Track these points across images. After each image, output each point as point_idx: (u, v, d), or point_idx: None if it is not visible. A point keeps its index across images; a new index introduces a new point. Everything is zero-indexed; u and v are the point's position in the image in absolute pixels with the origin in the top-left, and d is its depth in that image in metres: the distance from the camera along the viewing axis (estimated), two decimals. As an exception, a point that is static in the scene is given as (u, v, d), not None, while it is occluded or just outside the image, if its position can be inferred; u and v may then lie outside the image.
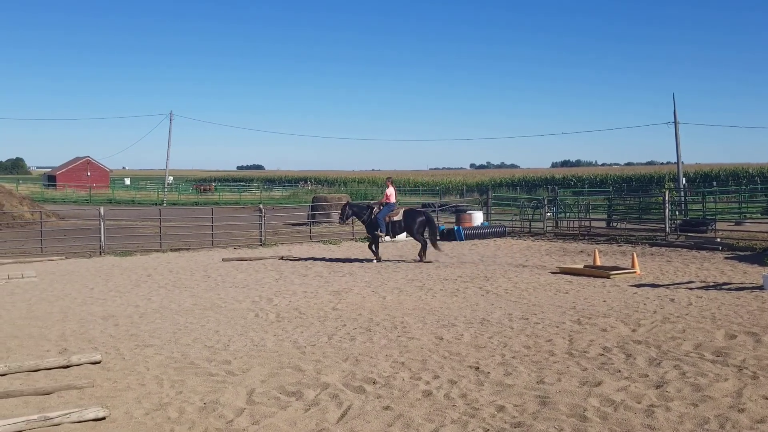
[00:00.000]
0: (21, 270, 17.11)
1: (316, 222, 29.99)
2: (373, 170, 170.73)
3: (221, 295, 13.69)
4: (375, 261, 18.50)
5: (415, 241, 19.62)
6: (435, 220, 20.12)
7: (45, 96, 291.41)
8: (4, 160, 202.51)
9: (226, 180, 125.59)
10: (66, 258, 20.32)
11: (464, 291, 13.85)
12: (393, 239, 20.51)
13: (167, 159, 68.47)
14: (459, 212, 29.49)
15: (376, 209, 18.92)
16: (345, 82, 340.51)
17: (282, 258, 19.52)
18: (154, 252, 21.68)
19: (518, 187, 74.37)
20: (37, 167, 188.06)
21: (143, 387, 7.59)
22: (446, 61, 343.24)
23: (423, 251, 18.66)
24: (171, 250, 22.12)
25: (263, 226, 24.06)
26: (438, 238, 19.75)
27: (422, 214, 19.56)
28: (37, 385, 7.67)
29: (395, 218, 18.82)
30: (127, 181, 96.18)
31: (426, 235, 18.93)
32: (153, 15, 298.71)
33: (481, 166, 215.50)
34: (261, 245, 23.09)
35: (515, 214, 32.08)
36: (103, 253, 20.99)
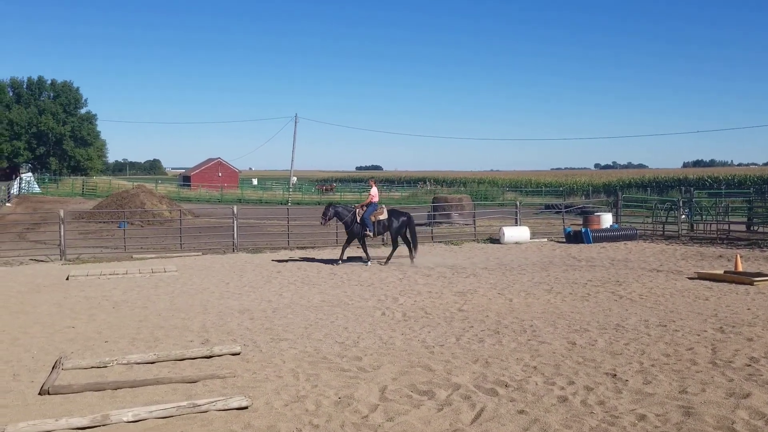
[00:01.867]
0: (163, 265, 18.24)
1: (436, 222, 29.99)
2: (492, 170, 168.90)
3: (348, 293, 13.98)
4: (368, 263, 18.45)
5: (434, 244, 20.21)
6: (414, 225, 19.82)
7: (181, 101, 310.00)
8: (143, 161, 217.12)
9: (345, 180, 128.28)
10: (203, 254, 21.44)
11: (595, 295, 13.39)
12: (374, 237, 20.19)
13: (292, 160, 71.03)
14: (586, 214, 28.55)
15: (359, 210, 19.14)
16: (463, 83, 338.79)
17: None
18: (282, 249, 22.46)
19: (648, 188, 71.05)
20: (173, 168, 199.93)
21: (281, 379, 7.87)
22: (569, 58, 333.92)
23: (393, 253, 19.17)
24: (297, 248, 22.83)
25: (386, 226, 24.32)
26: (417, 242, 19.41)
27: (405, 214, 19.68)
28: (183, 374, 8.13)
29: (380, 217, 19.11)
30: (255, 182, 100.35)
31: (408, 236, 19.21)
32: (280, 21, 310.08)
33: (607, 166, 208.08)
34: (383, 245, 23.38)
35: (646, 216, 30.69)
36: (235, 250, 21.98)
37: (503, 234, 23.94)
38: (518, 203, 29.39)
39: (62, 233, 20.47)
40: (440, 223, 30.67)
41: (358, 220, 18.87)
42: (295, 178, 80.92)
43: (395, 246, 19.38)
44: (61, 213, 21.21)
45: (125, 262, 19.51)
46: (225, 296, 13.70)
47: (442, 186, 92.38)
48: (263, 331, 10.51)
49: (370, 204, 19.22)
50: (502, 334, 10.12)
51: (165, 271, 16.93)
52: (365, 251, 19.15)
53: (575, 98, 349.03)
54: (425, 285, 14.91)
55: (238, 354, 9.00)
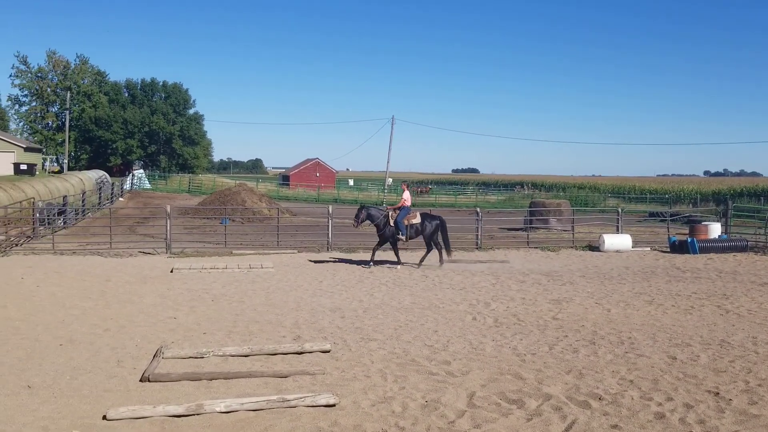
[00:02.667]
0: (260, 261, 18.74)
1: (533, 227, 29.40)
2: (594, 176, 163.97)
3: (439, 296, 13.90)
4: (398, 266, 18.28)
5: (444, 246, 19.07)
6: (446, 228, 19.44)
7: (283, 102, 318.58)
8: (246, 160, 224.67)
9: (441, 183, 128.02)
10: (298, 252, 21.90)
11: (699, 309, 12.71)
12: (406, 242, 19.64)
13: (388, 162, 71.59)
14: (693, 223, 27.18)
15: (392, 213, 18.87)
16: (564, 85, 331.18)
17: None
18: (432, 250, 22.59)
19: (762, 198, 66.97)
20: (273, 167, 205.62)
21: (368, 379, 7.90)
22: (675, 60, 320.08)
23: (426, 255, 18.92)
24: (391, 249, 22.89)
25: (479, 230, 24.06)
26: (450, 245, 19.18)
27: (437, 218, 19.31)
28: (275, 368, 8.31)
29: (413, 221, 18.81)
30: (351, 182, 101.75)
31: (439, 239, 18.95)
32: (379, 24, 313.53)
33: (717, 174, 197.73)
34: (477, 248, 23.12)
35: (759, 227, 28.91)
36: (330, 249, 22.31)
37: (603, 241, 23.15)
38: (620, 210, 28.37)
39: (168, 228, 21.44)
40: (537, 228, 30.04)
41: (391, 224, 18.74)
42: (390, 180, 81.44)
43: (429, 249, 19.14)
44: (168, 209, 22.21)
45: (225, 257, 20.19)
46: (318, 294, 13.92)
47: (539, 190, 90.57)
48: (353, 330, 10.60)
49: (402, 207, 19.06)
50: (598, 345, 9.77)
51: (262, 268, 17.39)
52: (396, 254, 18.98)
53: (685, 101, 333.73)
54: (519, 291, 14.62)
55: (328, 352, 9.12)
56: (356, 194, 71.43)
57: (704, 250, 22.39)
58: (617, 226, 26.37)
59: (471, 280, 16.07)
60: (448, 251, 18.96)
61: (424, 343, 9.73)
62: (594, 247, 23.52)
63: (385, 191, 68.42)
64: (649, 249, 23.74)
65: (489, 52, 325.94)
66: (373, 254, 18.95)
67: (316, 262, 19.14)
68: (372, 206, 20.25)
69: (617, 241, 23.44)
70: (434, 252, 19.09)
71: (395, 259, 18.86)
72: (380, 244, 19.18)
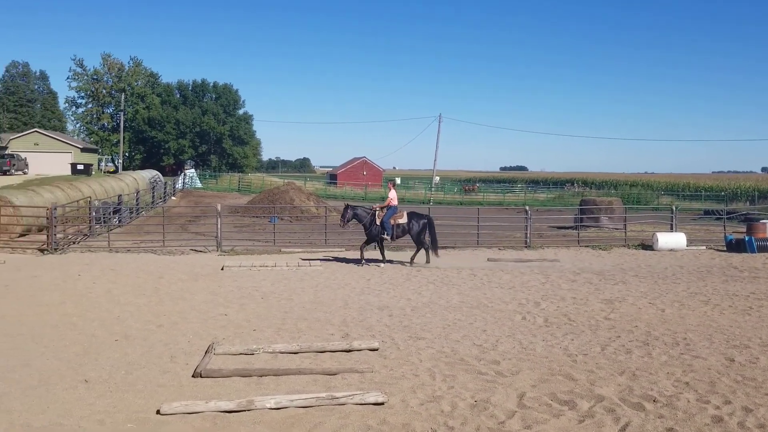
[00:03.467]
0: (308, 259, 18.90)
1: (584, 226, 28.92)
2: (646, 173, 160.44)
3: (487, 295, 13.77)
4: (381, 264, 18.11)
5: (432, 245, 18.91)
6: (434, 227, 19.28)
7: (330, 102, 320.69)
8: (294, 159, 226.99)
9: (489, 181, 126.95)
10: (346, 250, 22.00)
11: (758, 309, 12.31)
12: (391, 241, 19.53)
13: (435, 159, 71.42)
14: (750, 221, 26.35)
15: (379, 213, 18.70)
16: (614, 80, 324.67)
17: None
18: (422, 248, 22.53)
19: (825, 195, 64.50)
20: (321, 166, 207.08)
21: (417, 378, 7.87)
22: (731, 55, 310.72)
23: (415, 255, 18.73)
24: (438, 247, 22.79)
25: (528, 228, 23.78)
26: (437, 245, 19.02)
27: (425, 217, 19.11)
28: (324, 365, 8.35)
29: (400, 221, 18.63)
30: (398, 180, 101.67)
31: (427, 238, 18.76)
32: (425, 23, 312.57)
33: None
34: (526, 247, 22.86)
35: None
36: (376, 247, 22.32)
37: (657, 240, 22.62)
38: (674, 208, 27.69)
39: (219, 226, 21.79)
40: (588, 226, 29.54)
41: (378, 223, 18.62)
42: (437, 178, 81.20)
43: (419, 247, 19.02)
44: (219, 207, 22.58)
45: (274, 255, 20.42)
46: (365, 292, 13.95)
47: (590, 188, 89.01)
48: (401, 328, 10.58)
49: (389, 207, 18.91)
50: (652, 346, 9.55)
51: (310, 266, 17.53)
52: (381, 253, 18.93)
53: (742, 96, 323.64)
54: (569, 290, 14.39)
55: (376, 350, 9.12)
56: (403, 193, 71.35)
57: (762, 249, 21.69)
58: (671, 225, 25.75)
59: (520, 279, 15.89)
60: (435, 250, 18.80)
61: (472, 343, 9.66)
62: (647, 246, 23.02)
63: (433, 189, 68.18)
64: (704, 248, 23.11)
65: (538, 49, 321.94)
66: (362, 253, 18.89)
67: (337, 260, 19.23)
68: (359, 206, 20.17)
69: (671, 239, 22.89)
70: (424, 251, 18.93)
71: (381, 258, 18.81)
72: (367, 243, 19.13)
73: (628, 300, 13.25)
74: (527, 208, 26.12)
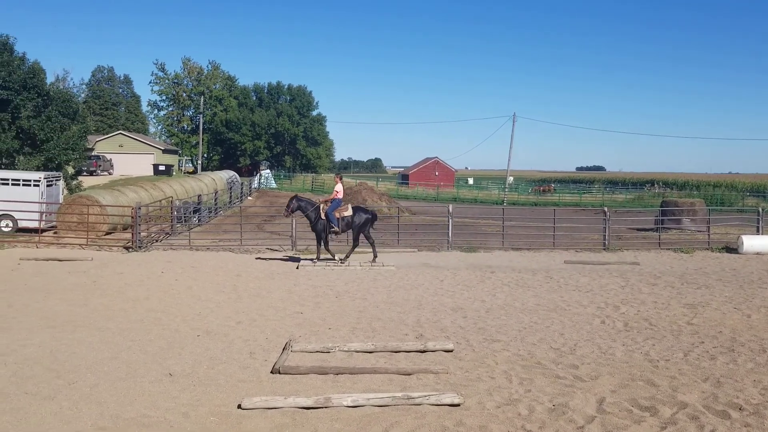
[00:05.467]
0: (381, 259, 18.97)
1: (665, 228, 27.99)
2: (730, 173, 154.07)
3: (564, 298, 13.51)
4: (315, 263, 17.82)
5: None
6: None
7: (401, 102, 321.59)
8: (365, 160, 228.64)
9: (565, 181, 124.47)
10: (418, 250, 22.01)
11: None
12: (339, 234, 18.99)
13: (509, 160, 70.42)
14: None
15: (323, 206, 18.32)
16: (697, 77, 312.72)
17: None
18: (496, 250, 22.33)
19: None
20: (392, 167, 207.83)
21: (493, 380, 7.80)
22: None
23: (351, 251, 18.55)
24: (512, 249, 22.56)
25: (607, 230, 23.19)
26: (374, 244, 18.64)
27: (369, 212, 18.91)
28: (398, 365, 8.38)
29: (345, 213, 18.31)
30: (470, 181, 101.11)
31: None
32: (497, 24, 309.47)
33: None
34: (604, 249, 22.31)
35: None
36: (450, 248, 22.26)
37: (742, 243, 21.68)
38: (761, 209, 26.45)
39: (294, 225, 22.18)
40: (669, 228, 28.57)
41: (323, 216, 18.24)
42: (511, 178, 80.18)
43: (356, 243, 18.68)
44: (294, 207, 22.94)
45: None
46: (439, 293, 13.92)
47: (671, 189, 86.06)
48: (476, 330, 10.51)
49: (334, 200, 18.53)
50: (738, 352, 9.17)
51: (383, 266, 17.62)
52: (318, 248, 18.53)
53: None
54: (650, 294, 13.96)
55: (451, 351, 9.09)
56: (476, 193, 70.89)
57: None
58: (757, 227, 24.62)
59: (598, 282, 15.52)
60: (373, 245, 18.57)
61: (549, 346, 9.50)
62: (731, 249, 22.10)
63: (506, 190, 67.40)
64: (795, 252, 21.98)
65: (616, 47, 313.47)
66: (318, 251, 18.56)
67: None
68: (304, 198, 19.66)
69: (758, 242, 21.89)
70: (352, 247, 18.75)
71: (347, 254, 18.58)
72: (318, 239, 18.63)
73: (712, 305, 12.76)
74: (605, 209, 25.48)
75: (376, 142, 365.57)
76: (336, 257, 18.41)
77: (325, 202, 18.78)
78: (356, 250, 18.90)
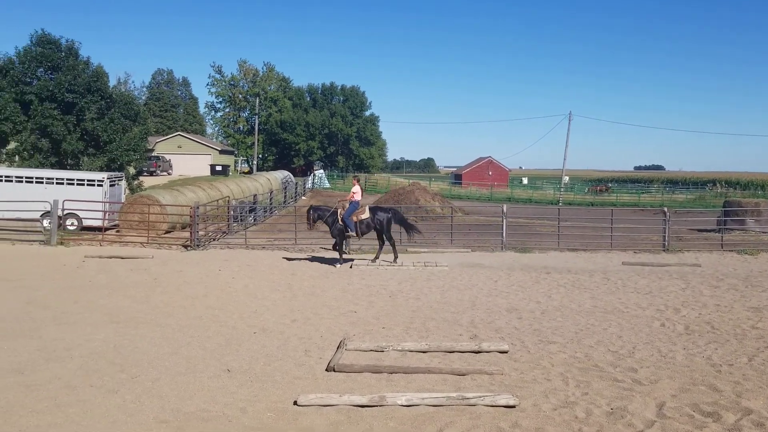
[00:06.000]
0: (435, 259, 18.95)
1: (727, 229, 27.15)
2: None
3: (622, 300, 13.24)
4: (338, 264, 17.61)
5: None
6: (403, 215, 18.54)
7: (454, 101, 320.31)
8: (418, 159, 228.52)
9: (622, 181, 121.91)
10: (471, 251, 21.88)
11: None
12: (359, 238, 18.86)
13: (564, 159, 69.38)
14: None
15: (340, 210, 18.05)
16: (758, 72, 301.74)
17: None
18: (551, 251, 22.04)
19: None
20: (445, 166, 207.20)
21: (549, 382, 7.71)
22: None
23: (379, 252, 18.20)
24: (568, 249, 22.22)
25: (667, 231, 22.61)
26: (411, 233, 18.48)
27: (388, 211, 18.47)
28: (453, 366, 8.36)
29: (362, 216, 17.92)
30: (525, 181, 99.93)
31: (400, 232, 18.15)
32: (551, 23, 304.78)
33: None
34: (664, 251, 21.77)
35: None
36: (504, 249, 22.06)
37: (810, 245, 20.87)
38: (830, 210, 25.41)
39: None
40: (732, 229, 27.69)
41: (340, 221, 17.94)
42: (567, 178, 78.95)
43: (382, 243, 18.35)
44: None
45: (401, 254, 20.61)
46: (493, 294, 13.81)
47: (734, 189, 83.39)
48: (531, 332, 10.39)
49: (351, 203, 18.19)
50: (808, 358, 8.82)
51: (436, 266, 17.58)
52: (339, 252, 18.40)
53: None
54: (712, 297, 13.56)
55: (506, 352, 9.02)
56: (530, 193, 70.03)
57: None
58: (828, 229, 23.66)
59: (658, 284, 15.15)
60: (409, 236, 18.43)
61: (607, 349, 9.33)
62: (800, 252, 21.28)
63: (562, 190, 66.39)
64: None
65: (674, 43, 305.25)
66: (340, 252, 18.47)
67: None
68: (321, 206, 19.59)
69: (828, 244, 21.02)
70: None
71: (373, 257, 18.43)
72: (338, 242, 18.49)
73: (779, 309, 12.31)
74: (665, 209, 24.84)
75: (429, 141, 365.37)
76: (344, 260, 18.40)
77: (342, 202, 18.75)
78: (405, 250, 18.91)
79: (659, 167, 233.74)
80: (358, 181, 19.76)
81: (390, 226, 18.18)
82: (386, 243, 18.35)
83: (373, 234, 18.60)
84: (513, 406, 6.77)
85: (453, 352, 9.09)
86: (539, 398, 7.10)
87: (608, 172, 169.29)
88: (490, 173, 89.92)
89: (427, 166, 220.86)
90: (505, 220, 22.91)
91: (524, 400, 6.98)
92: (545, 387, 7.51)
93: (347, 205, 18.24)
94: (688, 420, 6.50)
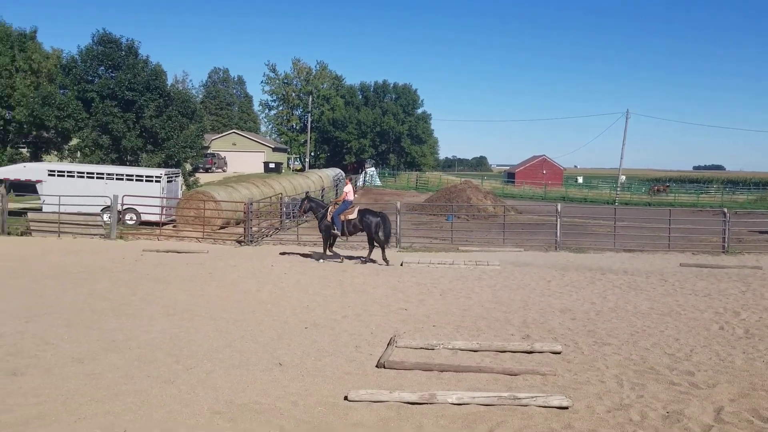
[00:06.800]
0: (486, 258, 18.83)
1: (791, 231, 26.18)
2: None
3: (680, 302, 12.90)
4: (322, 260, 17.73)
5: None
6: (390, 227, 18.53)
7: (507, 99, 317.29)
8: (470, 158, 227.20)
9: (681, 181, 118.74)
10: (524, 250, 21.65)
11: None
12: (347, 238, 19.17)
13: (621, 158, 67.93)
14: None
15: (331, 208, 18.31)
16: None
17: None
18: (607, 251, 21.64)
19: None
20: (498, 165, 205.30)
21: (603, 384, 7.57)
22: None
23: (370, 252, 18.15)
24: (624, 250, 21.78)
25: (726, 232, 21.95)
26: (389, 241, 18.46)
27: (378, 214, 18.41)
28: (504, 365, 8.28)
29: (350, 216, 18.01)
30: (580, 180, 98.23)
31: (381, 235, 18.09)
32: (610, 18, 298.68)
33: None
34: (723, 252, 21.14)
35: None
36: (558, 248, 21.76)
37: None
38: None
39: (398, 223, 22.36)
40: (796, 232, 26.70)
41: (329, 218, 18.00)
42: (623, 177, 77.24)
43: (371, 245, 18.23)
44: (398, 205, 23.18)
45: (452, 253, 20.58)
46: (546, 294, 13.63)
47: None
48: (585, 333, 10.22)
49: (343, 201, 18.26)
50: None
51: (488, 265, 17.44)
52: (324, 247, 18.48)
53: None
54: (774, 301, 13.09)
55: (559, 353, 8.89)
56: (586, 192, 68.84)
57: None
58: None
59: (717, 287, 14.71)
60: (383, 248, 18.08)
61: (663, 351, 9.10)
62: None
63: (618, 189, 65.06)
64: None
65: (734, 39, 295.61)
66: (324, 248, 18.54)
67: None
68: (315, 199, 19.74)
69: None
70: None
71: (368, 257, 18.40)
72: (326, 239, 18.57)
73: None
74: (725, 210, 24.11)
75: (482, 139, 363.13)
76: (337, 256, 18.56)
77: (335, 203, 18.98)
78: (457, 249, 18.81)
79: (719, 167, 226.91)
80: (351, 180, 20.04)
81: (378, 229, 18.26)
82: (380, 246, 18.31)
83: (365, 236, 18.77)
84: (566, 408, 6.67)
85: (504, 351, 9.01)
86: (593, 400, 6.98)
87: (666, 172, 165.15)
88: (544, 172, 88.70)
89: (479, 164, 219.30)
90: (559, 220, 22.61)
91: (577, 402, 6.87)
92: (599, 389, 7.38)
93: (338, 204, 18.64)
94: (747, 425, 6.29)
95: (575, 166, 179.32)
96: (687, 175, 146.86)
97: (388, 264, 17.53)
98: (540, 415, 6.48)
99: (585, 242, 23.44)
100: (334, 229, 18.24)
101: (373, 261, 18.00)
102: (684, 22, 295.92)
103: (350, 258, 18.79)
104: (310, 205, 18.98)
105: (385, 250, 18.21)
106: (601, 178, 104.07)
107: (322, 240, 18.93)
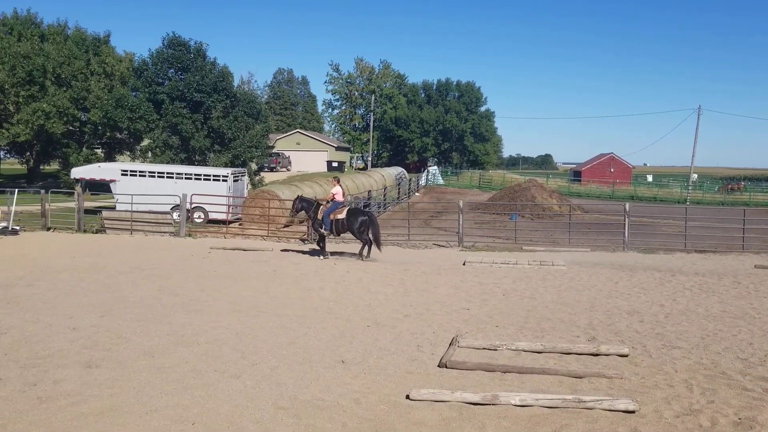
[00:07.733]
0: (551, 258, 18.51)
1: None
2: None
3: (754, 305, 12.40)
4: (321, 257, 17.91)
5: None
6: (378, 227, 18.57)
7: (574, 95, 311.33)
8: (535, 156, 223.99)
9: (756, 179, 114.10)
10: (591, 250, 21.20)
11: None
12: (335, 237, 19.51)
13: (693, 156, 65.85)
14: None
15: (322, 207, 18.64)
16: None
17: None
18: (677, 252, 20.99)
19: None
20: (563, 163, 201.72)
21: (671, 388, 7.36)
22: None
23: (362, 250, 18.19)
24: (695, 251, 21.08)
25: (806, 233, 20.99)
26: (381, 243, 18.43)
27: (365, 214, 18.86)
28: (569, 367, 8.14)
29: (339, 216, 18.34)
30: (650, 178, 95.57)
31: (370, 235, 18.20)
32: (680, 11, 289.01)
33: None
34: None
35: None
36: (626, 249, 21.22)
37: None
38: None
39: (460, 222, 22.24)
40: None
41: (319, 217, 18.39)
42: (695, 175, 74.79)
43: (365, 240, 18.25)
44: (461, 203, 23.04)
45: (515, 252, 20.33)
46: (613, 295, 13.32)
47: None
48: (653, 336, 9.94)
49: (333, 202, 18.62)
50: None
51: (553, 265, 17.15)
52: (321, 246, 18.57)
53: None
54: None
55: (626, 356, 8.68)
56: (655, 191, 66.91)
57: None
58: None
59: (795, 290, 14.06)
60: (378, 246, 18.10)
61: (736, 356, 8.78)
62: None
63: (690, 188, 63.02)
64: None
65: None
66: (322, 247, 18.50)
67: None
68: (306, 198, 19.70)
69: None
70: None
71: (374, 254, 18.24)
72: (319, 238, 18.76)
73: None
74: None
75: (546, 137, 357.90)
76: (329, 256, 18.37)
77: (326, 203, 19.11)
78: (521, 248, 18.55)
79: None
80: (339, 181, 20.00)
81: (365, 228, 18.36)
82: (374, 243, 18.38)
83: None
84: (632, 412, 6.51)
85: (569, 353, 8.85)
86: (661, 404, 6.79)
87: (741, 170, 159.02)
88: (612, 170, 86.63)
89: (544, 162, 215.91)
90: (627, 219, 22.05)
91: (645, 406, 6.70)
92: (667, 393, 7.17)
93: (329, 204, 18.85)
94: (828, 436, 6.02)
95: (645, 164, 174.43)
96: (762, 173, 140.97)
97: (363, 259, 17.87)
98: (605, 419, 6.35)
99: (654, 242, 22.79)
100: (322, 228, 18.64)
101: (374, 260, 18.01)
102: (756, 12, 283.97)
103: (351, 255, 18.79)
104: (302, 205, 19.39)
105: (371, 248, 18.27)
106: (672, 176, 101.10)
107: (318, 237, 19.30)
